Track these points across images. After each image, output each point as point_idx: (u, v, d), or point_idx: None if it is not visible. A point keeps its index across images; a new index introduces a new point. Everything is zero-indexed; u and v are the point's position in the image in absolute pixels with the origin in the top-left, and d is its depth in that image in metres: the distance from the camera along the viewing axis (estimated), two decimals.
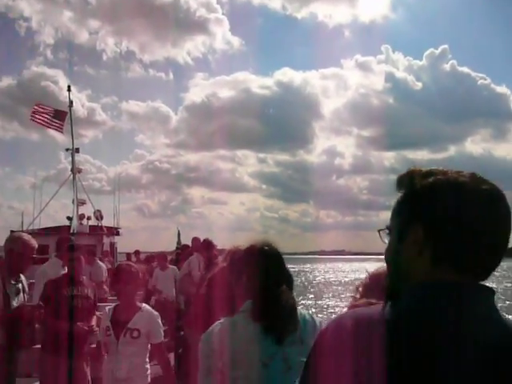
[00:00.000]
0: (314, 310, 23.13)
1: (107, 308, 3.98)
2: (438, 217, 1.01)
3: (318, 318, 2.24)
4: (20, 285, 4.40)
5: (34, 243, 4.47)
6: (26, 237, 4.54)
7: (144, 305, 4.01)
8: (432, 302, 0.98)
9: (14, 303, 4.25)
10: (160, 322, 3.96)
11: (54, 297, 4.67)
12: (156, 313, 3.97)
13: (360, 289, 1.86)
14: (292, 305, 2.11)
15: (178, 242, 14.98)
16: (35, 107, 16.45)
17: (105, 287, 10.09)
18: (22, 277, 4.51)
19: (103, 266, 11.21)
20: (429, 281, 1.01)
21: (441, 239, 1.01)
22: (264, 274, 2.13)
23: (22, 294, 4.40)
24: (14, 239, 4.45)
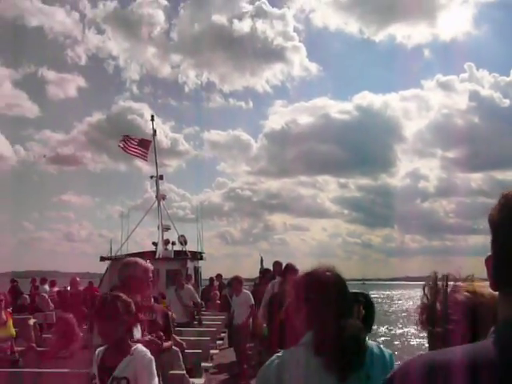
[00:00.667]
0: (389, 339, 22.02)
1: (97, 351, 3.19)
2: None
3: (388, 350, 2.01)
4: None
5: (151, 266, 4.15)
6: (142, 261, 4.19)
7: (137, 346, 3.16)
8: None
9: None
10: (153, 366, 3.13)
11: None
12: (149, 356, 3.13)
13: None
14: (358, 338, 1.91)
15: (262, 268, 14.99)
16: (124, 137, 17.32)
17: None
18: None
19: (191, 288, 11.35)
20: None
21: None
22: (326, 303, 1.95)
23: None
24: (130, 264, 4.08)
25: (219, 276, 15.42)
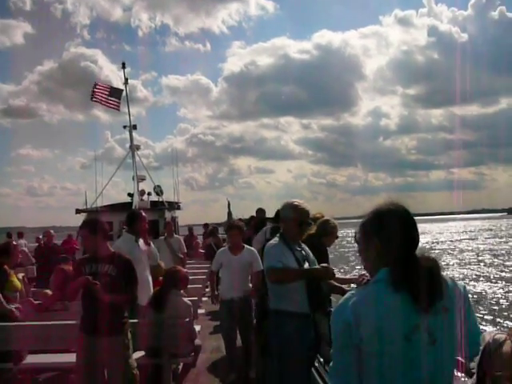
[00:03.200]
0: None
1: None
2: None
3: (461, 283, 2.03)
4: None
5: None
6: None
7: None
8: None
9: None
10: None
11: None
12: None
13: None
14: (435, 269, 1.91)
15: (229, 213, 15.18)
16: (96, 87, 16.67)
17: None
18: None
19: (180, 238, 11.45)
20: None
21: None
22: (401, 237, 1.93)
23: None
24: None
25: (206, 225, 15.41)
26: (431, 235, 69.89)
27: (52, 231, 13.76)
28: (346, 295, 1.97)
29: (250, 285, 6.34)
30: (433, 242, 54.66)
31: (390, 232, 1.94)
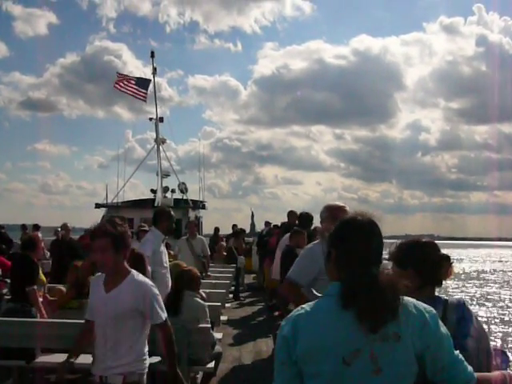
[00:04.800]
0: None
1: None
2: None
3: (431, 309, 1.87)
4: None
5: None
6: None
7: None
8: None
9: None
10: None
11: None
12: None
13: None
14: (393, 288, 1.79)
15: (252, 224, 15.16)
16: (118, 75, 16.95)
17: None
18: None
19: (203, 238, 11.41)
20: None
21: None
22: (358, 250, 1.86)
23: None
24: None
25: (235, 226, 15.39)
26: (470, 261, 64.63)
27: (69, 224, 14.01)
28: (297, 308, 1.90)
29: None
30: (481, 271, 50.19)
31: (348, 244, 1.89)
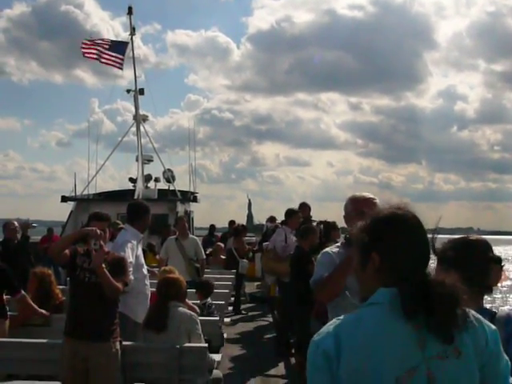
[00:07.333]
0: None
1: None
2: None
3: (491, 325, 1.85)
4: None
5: None
6: None
7: None
8: None
9: None
10: None
11: None
12: None
13: None
14: (454, 296, 1.72)
15: (249, 216, 14.67)
16: (85, 40, 16.31)
17: None
18: None
19: (197, 239, 10.98)
20: None
21: None
22: (408, 251, 1.80)
23: None
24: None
25: (232, 222, 14.85)
26: None
27: (16, 223, 12.37)
28: (333, 320, 1.81)
29: None
30: None
31: (394, 244, 1.81)
